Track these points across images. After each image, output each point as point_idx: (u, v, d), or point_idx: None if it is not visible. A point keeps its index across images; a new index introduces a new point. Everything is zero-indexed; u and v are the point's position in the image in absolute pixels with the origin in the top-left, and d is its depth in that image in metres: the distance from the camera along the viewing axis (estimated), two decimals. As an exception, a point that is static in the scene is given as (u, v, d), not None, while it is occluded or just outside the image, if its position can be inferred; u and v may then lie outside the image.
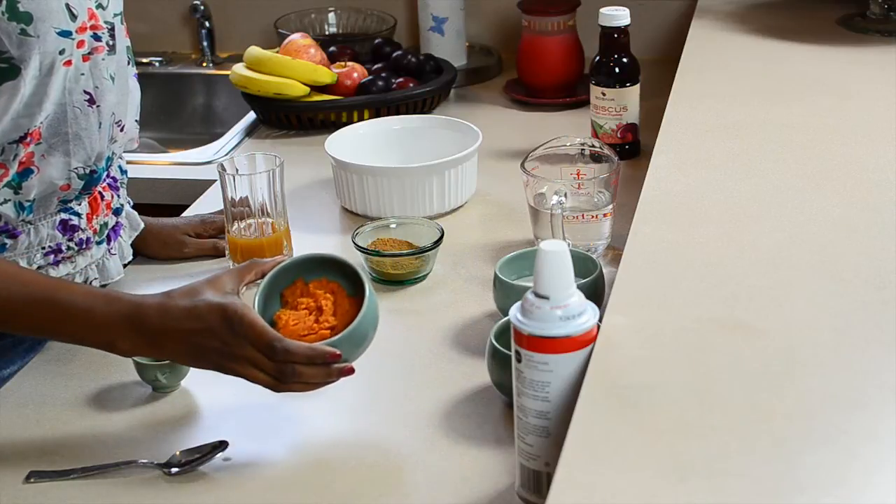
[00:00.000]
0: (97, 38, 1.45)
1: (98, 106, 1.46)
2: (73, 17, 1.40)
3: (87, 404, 1.39)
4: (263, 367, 1.26)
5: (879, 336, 1.14)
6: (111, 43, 1.48)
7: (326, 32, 2.47)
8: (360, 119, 2.06)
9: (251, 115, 2.18)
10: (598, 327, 1.13)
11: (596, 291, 1.42)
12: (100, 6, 1.46)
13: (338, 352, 1.26)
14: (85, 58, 1.43)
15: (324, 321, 1.32)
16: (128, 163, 1.64)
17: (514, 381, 1.14)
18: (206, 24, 2.51)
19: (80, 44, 1.42)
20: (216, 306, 1.26)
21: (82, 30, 1.41)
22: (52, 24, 1.37)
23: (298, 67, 2.08)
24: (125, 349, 1.29)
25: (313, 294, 1.34)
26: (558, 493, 0.95)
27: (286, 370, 1.26)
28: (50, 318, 1.28)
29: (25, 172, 1.41)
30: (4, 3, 1.32)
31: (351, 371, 1.28)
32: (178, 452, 1.28)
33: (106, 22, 1.46)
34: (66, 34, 1.39)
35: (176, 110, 2.50)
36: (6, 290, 1.28)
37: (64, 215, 1.47)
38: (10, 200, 1.41)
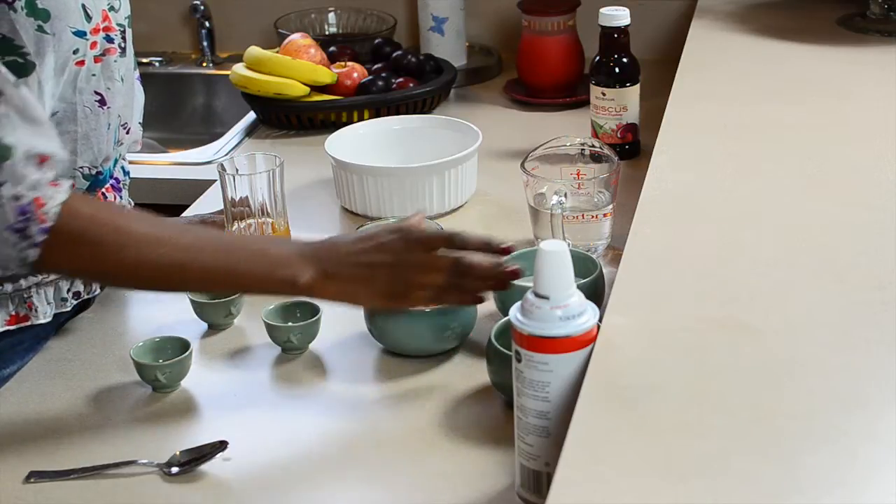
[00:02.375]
0: (109, 39, 1.45)
1: (108, 107, 1.46)
2: (89, 17, 1.40)
3: (87, 404, 1.39)
4: (439, 266, 1.31)
5: (879, 336, 1.14)
6: (123, 45, 1.48)
7: (326, 32, 2.47)
8: (360, 119, 2.06)
9: (251, 115, 2.18)
10: (598, 327, 1.14)
11: (596, 291, 1.42)
12: (112, 8, 1.46)
13: (511, 245, 1.33)
14: (97, 59, 1.43)
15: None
16: (129, 163, 1.65)
17: (514, 381, 1.14)
18: (206, 24, 2.51)
19: (93, 45, 1.42)
20: (384, 226, 1.36)
21: (96, 31, 1.42)
22: (68, 23, 1.37)
23: (298, 67, 2.08)
24: (305, 282, 1.31)
25: None
26: (558, 493, 0.95)
27: (463, 262, 1.31)
28: (229, 264, 1.32)
29: None
30: None
31: (517, 274, 1.31)
32: (178, 452, 1.28)
33: (118, 24, 1.47)
34: (80, 34, 1.39)
35: (176, 110, 2.50)
36: (177, 249, 1.30)
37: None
38: None
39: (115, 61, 1.47)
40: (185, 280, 1.34)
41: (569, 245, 1.17)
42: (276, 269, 1.31)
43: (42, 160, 1.26)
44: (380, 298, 1.35)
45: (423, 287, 1.32)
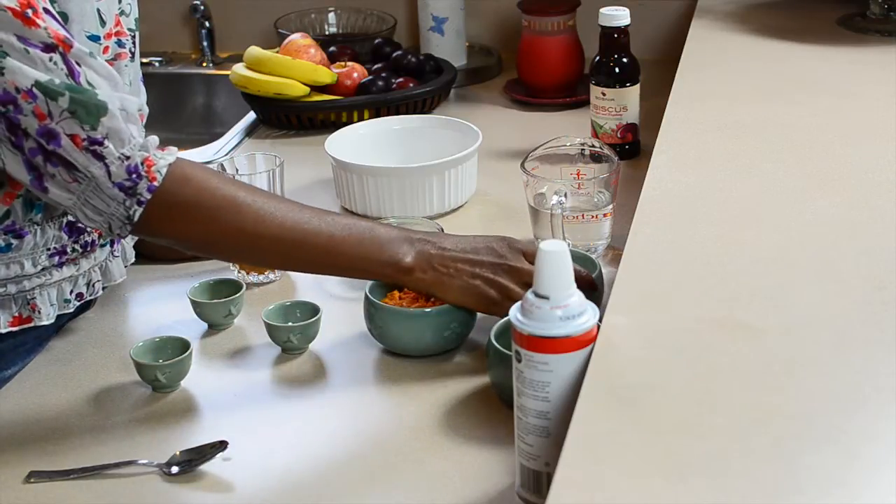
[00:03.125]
0: (121, 44, 1.46)
1: None
2: (103, 22, 1.41)
3: (87, 404, 1.39)
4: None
5: (879, 336, 1.14)
6: (133, 50, 1.49)
7: (326, 32, 2.47)
8: (360, 119, 2.06)
9: (251, 115, 2.18)
10: (598, 327, 1.14)
11: (595, 292, 1.42)
12: (123, 13, 1.47)
13: (593, 277, 1.40)
14: (109, 63, 1.43)
15: (434, 301, 1.42)
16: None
17: (514, 381, 1.15)
18: (206, 24, 2.51)
19: (105, 49, 1.43)
20: (491, 235, 1.42)
21: (109, 36, 1.43)
22: (83, 27, 1.38)
23: (298, 67, 2.08)
24: (408, 266, 1.36)
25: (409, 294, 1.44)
26: (558, 493, 0.95)
27: None
28: (341, 246, 1.35)
29: None
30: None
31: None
32: (178, 452, 1.28)
33: (129, 29, 1.48)
34: (95, 38, 1.40)
35: (176, 110, 2.50)
36: (290, 213, 1.34)
37: (70, 217, 1.47)
38: (20, 196, 1.40)
39: (126, 66, 1.47)
40: (296, 257, 1.37)
41: (569, 245, 1.17)
42: (382, 249, 1.35)
43: (139, 117, 1.31)
44: (474, 299, 1.38)
45: (515, 299, 1.31)
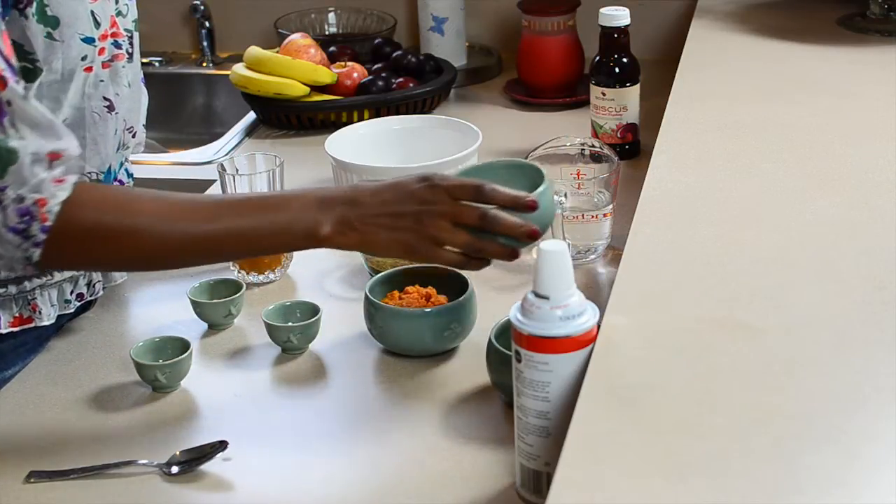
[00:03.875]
0: (118, 45, 1.45)
1: (116, 113, 1.46)
2: (98, 24, 1.40)
3: (87, 404, 1.39)
4: (466, 219, 1.26)
5: (879, 336, 1.14)
6: (130, 51, 1.48)
7: (326, 32, 2.47)
8: (360, 119, 2.06)
9: (251, 115, 2.18)
10: (598, 327, 1.14)
11: (546, 206, 1.35)
12: (120, 14, 1.46)
13: (535, 199, 1.28)
14: (105, 65, 1.43)
15: (434, 301, 1.43)
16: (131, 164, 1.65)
17: (514, 381, 1.15)
18: (206, 24, 2.51)
19: (101, 51, 1.42)
20: (412, 175, 1.31)
21: (104, 37, 1.42)
22: (77, 30, 1.37)
23: (298, 67, 2.08)
24: (325, 234, 1.28)
25: (417, 289, 1.45)
26: (558, 493, 0.95)
27: (489, 215, 1.26)
28: (249, 225, 1.29)
29: None
30: (35, 4, 1.32)
31: (536, 235, 1.28)
32: (178, 452, 1.28)
33: (125, 30, 1.47)
34: (89, 41, 1.39)
35: (176, 110, 2.50)
36: (189, 222, 1.28)
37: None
38: None
39: (123, 67, 1.47)
40: (210, 251, 1.32)
41: (568, 245, 1.17)
42: (295, 222, 1.28)
43: (53, 158, 1.25)
44: (401, 249, 1.30)
45: (447, 241, 1.28)
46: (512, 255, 1.29)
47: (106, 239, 1.27)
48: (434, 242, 1.28)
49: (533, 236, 1.27)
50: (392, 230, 1.28)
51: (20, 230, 1.24)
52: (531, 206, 1.28)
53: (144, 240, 1.27)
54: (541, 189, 1.32)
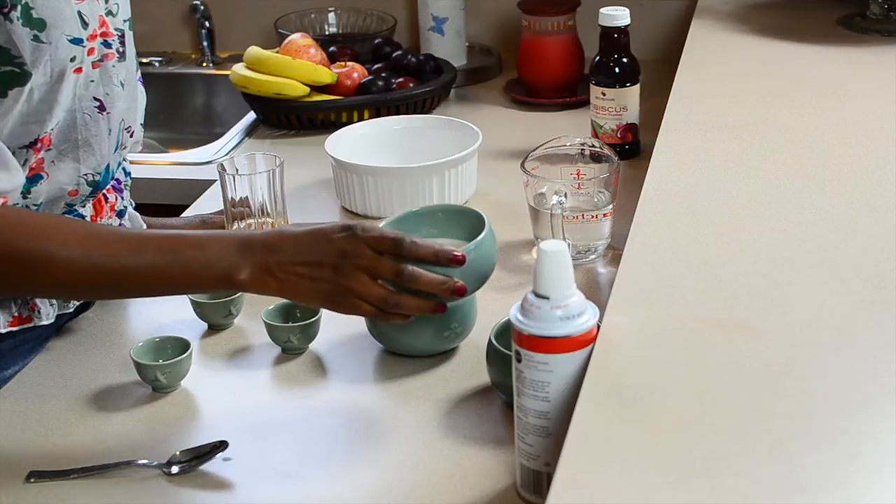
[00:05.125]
0: (107, 44, 1.45)
1: (108, 113, 1.46)
2: (85, 24, 1.40)
3: (87, 404, 1.39)
4: (383, 274, 1.25)
5: (879, 336, 1.14)
6: (121, 50, 1.48)
7: (326, 32, 2.47)
8: (360, 119, 2.06)
9: (251, 115, 2.18)
10: (598, 327, 1.14)
11: (483, 254, 1.34)
12: (109, 13, 1.46)
13: (462, 254, 1.26)
14: (95, 65, 1.43)
15: None
16: (129, 163, 1.65)
17: (514, 381, 1.15)
18: (206, 24, 2.51)
19: (91, 51, 1.41)
20: (335, 223, 1.29)
21: (93, 37, 1.41)
22: (64, 31, 1.36)
23: (298, 67, 2.08)
24: (242, 279, 1.27)
25: None
26: (558, 493, 0.95)
27: (406, 272, 1.25)
28: (165, 264, 1.27)
29: (35, 178, 1.41)
30: (19, 8, 1.32)
31: (463, 291, 1.26)
32: (178, 452, 1.28)
33: (116, 29, 1.46)
34: (77, 41, 1.38)
35: (176, 110, 2.50)
36: (107, 254, 1.27)
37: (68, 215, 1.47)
38: (17, 204, 1.40)
39: (114, 66, 1.46)
40: (121, 284, 1.30)
41: (569, 245, 1.17)
42: (215, 267, 1.27)
43: None
44: (320, 299, 1.29)
45: (364, 295, 1.27)
46: (435, 308, 1.29)
47: (23, 264, 1.27)
48: (351, 294, 1.28)
49: (459, 293, 1.27)
50: (311, 280, 1.27)
51: None
52: (456, 262, 1.27)
53: (61, 268, 1.27)
54: (478, 239, 1.30)
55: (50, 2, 1.34)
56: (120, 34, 1.47)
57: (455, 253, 1.27)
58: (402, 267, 1.26)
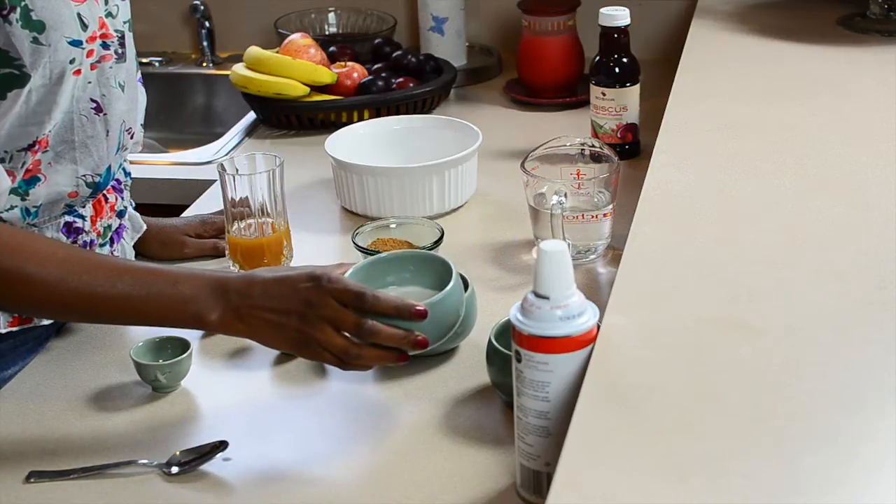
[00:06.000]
0: (105, 46, 1.44)
1: (105, 114, 1.46)
2: (84, 26, 1.39)
3: (87, 404, 1.39)
4: (345, 326, 1.26)
5: (879, 336, 1.14)
6: (120, 51, 1.47)
7: (326, 32, 2.47)
8: (360, 119, 2.06)
9: (251, 115, 2.18)
10: (598, 327, 1.14)
11: (448, 307, 1.33)
12: (109, 14, 1.45)
13: (424, 308, 1.27)
14: (92, 66, 1.43)
15: None
16: (129, 163, 1.64)
17: (514, 381, 1.15)
18: (206, 24, 2.51)
19: (90, 53, 1.41)
20: (304, 269, 1.31)
21: (92, 39, 1.41)
22: (63, 33, 1.36)
23: (298, 67, 2.08)
24: (214, 320, 1.28)
25: None
26: (558, 493, 0.95)
27: (366, 327, 1.26)
28: (139, 296, 1.28)
29: (32, 180, 1.41)
30: (18, 10, 1.32)
31: (425, 343, 1.27)
32: (178, 452, 1.28)
33: (116, 30, 1.46)
34: (76, 44, 1.38)
35: (176, 110, 2.50)
36: (83, 279, 1.28)
37: (68, 217, 1.47)
38: (16, 206, 1.40)
39: (111, 67, 1.46)
40: (93, 309, 1.30)
41: (568, 245, 1.17)
42: (186, 307, 1.28)
43: None
44: (286, 345, 1.31)
45: (326, 345, 1.28)
46: (398, 359, 1.29)
47: (4, 281, 1.27)
48: (315, 343, 1.28)
49: (420, 345, 1.27)
50: (278, 327, 1.29)
51: None
52: (419, 316, 1.28)
53: (35, 289, 1.28)
54: (443, 292, 1.31)
55: (49, 4, 1.34)
56: (119, 36, 1.47)
57: (417, 307, 1.28)
58: (363, 321, 1.27)
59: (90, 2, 1.41)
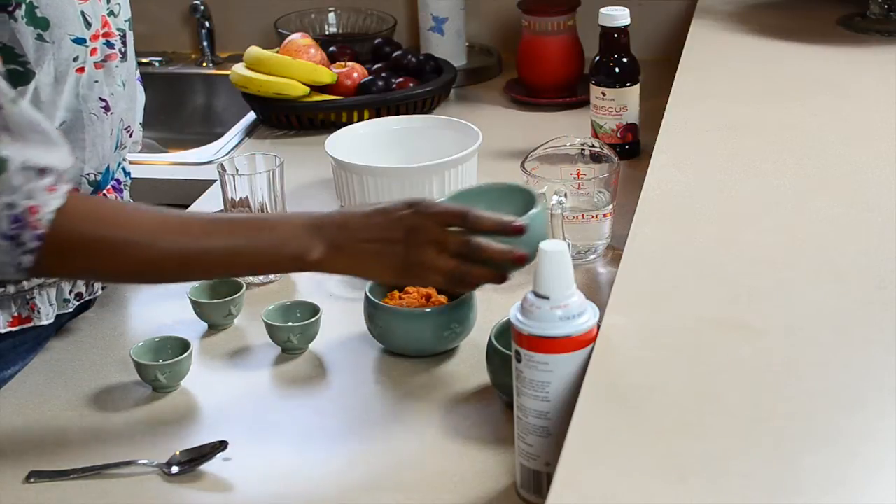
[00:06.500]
0: (110, 45, 1.45)
1: (112, 113, 1.46)
2: (88, 24, 1.40)
3: (87, 404, 1.39)
4: (450, 246, 1.28)
5: (879, 336, 1.14)
6: (123, 50, 1.48)
7: (326, 32, 2.47)
8: (360, 119, 2.06)
9: (251, 115, 2.18)
10: (598, 327, 1.14)
11: (539, 226, 1.37)
12: (111, 13, 1.46)
13: (524, 223, 1.29)
14: (98, 65, 1.43)
15: (434, 301, 1.42)
16: (129, 163, 1.65)
17: (514, 381, 1.15)
18: (206, 24, 2.51)
19: (93, 51, 1.42)
20: (400, 201, 1.32)
21: (95, 37, 1.41)
22: (67, 31, 1.37)
23: (298, 67, 2.08)
24: (315, 259, 1.29)
25: (418, 289, 1.44)
26: (558, 493, 0.95)
27: (473, 243, 1.28)
28: (237, 246, 1.30)
29: None
30: (24, 6, 1.32)
31: (524, 259, 1.28)
32: (178, 452, 1.28)
33: (118, 29, 1.47)
34: (80, 41, 1.39)
35: (176, 110, 2.50)
36: (177, 240, 1.29)
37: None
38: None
39: (117, 66, 1.47)
40: (200, 269, 1.33)
41: (568, 245, 1.17)
42: (285, 245, 1.29)
43: (41, 171, 1.25)
44: (391, 274, 1.32)
45: (433, 268, 1.29)
46: (500, 279, 1.31)
47: (100, 250, 1.28)
48: (421, 267, 1.29)
49: (520, 261, 1.29)
50: (381, 255, 1.30)
51: (11, 237, 1.24)
52: (517, 231, 1.29)
53: (138, 253, 1.28)
54: (532, 212, 1.33)
55: (54, 1, 1.34)
56: (121, 34, 1.48)
57: (516, 223, 1.30)
58: (468, 238, 1.28)
59: (93, 0, 1.41)
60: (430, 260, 1.29)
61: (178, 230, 1.30)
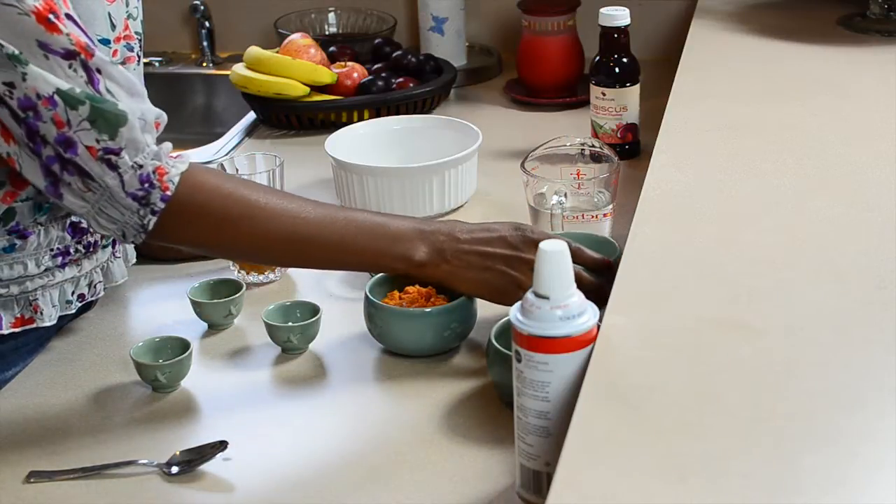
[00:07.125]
0: (129, 48, 1.46)
1: None
2: (113, 26, 1.41)
3: (87, 404, 1.39)
4: None
5: (879, 336, 1.14)
6: (140, 54, 1.49)
7: (326, 32, 2.47)
8: (360, 119, 2.06)
9: (251, 115, 2.18)
10: (598, 327, 1.14)
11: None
12: (130, 16, 1.46)
13: (612, 260, 1.37)
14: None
15: (434, 301, 1.42)
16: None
17: (514, 381, 1.15)
18: (206, 24, 2.51)
19: (115, 53, 1.42)
20: (506, 222, 1.40)
21: (118, 40, 1.43)
22: (94, 30, 1.37)
23: (298, 67, 2.08)
24: (420, 259, 1.35)
25: (418, 289, 1.44)
26: (558, 493, 0.95)
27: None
28: (353, 240, 1.35)
29: None
30: None
31: (606, 297, 1.31)
32: (178, 452, 1.28)
33: (136, 32, 1.48)
34: (105, 42, 1.39)
35: (176, 110, 2.49)
36: (305, 223, 1.34)
37: (73, 217, 1.47)
38: (30, 199, 1.40)
39: (134, 69, 1.47)
40: (308, 254, 1.38)
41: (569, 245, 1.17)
42: (394, 244, 1.35)
43: (157, 125, 1.31)
44: (484, 289, 1.38)
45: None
46: None
47: (216, 223, 1.33)
48: (518, 287, 1.34)
49: (606, 297, 1.31)
50: (481, 269, 1.37)
51: (139, 196, 1.29)
52: (609, 267, 1.38)
53: (251, 231, 1.33)
54: (619, 253, 1.41)
55: (85, 0, 1.35)
56: (139, 38, 1.49)
57: (608, 259, 1.40)
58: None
59: (118, 2, 1.42)
60: (528, 282, 1.30)
61: (294, 214, 1.34)
